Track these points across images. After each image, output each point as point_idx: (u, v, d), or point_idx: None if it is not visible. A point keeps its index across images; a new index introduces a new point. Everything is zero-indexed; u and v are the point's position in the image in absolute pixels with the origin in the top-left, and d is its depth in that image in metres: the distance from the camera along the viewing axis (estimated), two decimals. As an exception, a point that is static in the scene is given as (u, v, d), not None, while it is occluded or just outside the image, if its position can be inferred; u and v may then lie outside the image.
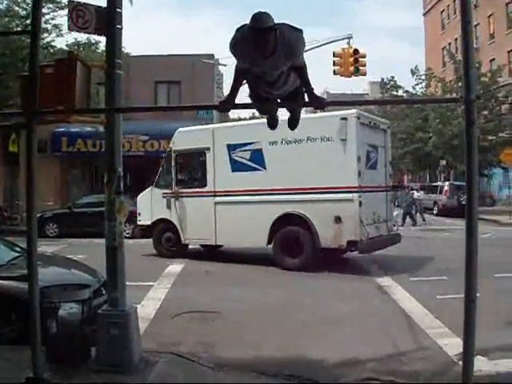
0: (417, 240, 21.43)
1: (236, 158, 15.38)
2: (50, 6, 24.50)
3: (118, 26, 6.64)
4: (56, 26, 24.23)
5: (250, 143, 15.21)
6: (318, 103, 5.29)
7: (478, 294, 10.43)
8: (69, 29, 6.53)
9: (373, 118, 15.80)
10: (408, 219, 28.99)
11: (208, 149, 15.67)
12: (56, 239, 22.14)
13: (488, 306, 9.27)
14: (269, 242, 14.93)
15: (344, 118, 13.84)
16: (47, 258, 9.67)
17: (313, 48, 24.74)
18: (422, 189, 37.95)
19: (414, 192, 33.54)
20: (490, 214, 33.30)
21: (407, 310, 9.95)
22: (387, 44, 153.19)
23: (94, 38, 33.04)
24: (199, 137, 16.12)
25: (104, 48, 24.16)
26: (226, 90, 28.14)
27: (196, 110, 26.32)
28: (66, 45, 27.47)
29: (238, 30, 4.82)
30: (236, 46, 4.81)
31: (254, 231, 14.93)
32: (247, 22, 4.59)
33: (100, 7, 6.56)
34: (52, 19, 24.92)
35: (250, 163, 15.22)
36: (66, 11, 23.26)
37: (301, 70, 5.08)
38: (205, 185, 15.83)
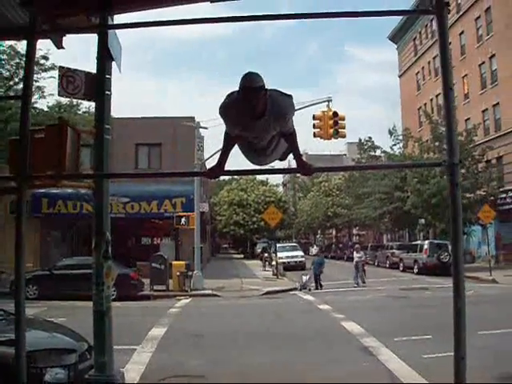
0: (400, 300, 21.49)
1: None
2: (34, 68, 24.83)
3: (107, 92, 6.77)
4: (39, 88, 24.47)
5: None
6: (306, 170, 5.40)
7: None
8: (59, 94, 6.67)
9: None
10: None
11: None
12: (35, 301, 21.75)
13: (473, 363, 9.33)
14: None
15: None
16: (30, 321, 9.53)
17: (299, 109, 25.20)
18: (361, 249, 35.72)
19: (354, 252, 31.44)
20: (471, 271, 33.49)
21: (394, 371, 9.92)
22: (364, 104, 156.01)
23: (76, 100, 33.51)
24: None
25: (85, 110, 24.33)
26: (207, 153, 28.43)
27: (184, 176, 26.51)
28: (48, 106, 27.74)
29: (228, 95, 4.89)
30: (226, 111, 4.86)
31: None
32: (231, 87, 4.71)
33: (90, 73, 6.70)
34: (35, 81, 25.20)
35: None
36: (49, 73, 23.63)
37: (290, 137, 5.17)
38: None
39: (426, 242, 38.09)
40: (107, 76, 6.80)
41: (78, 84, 6.67)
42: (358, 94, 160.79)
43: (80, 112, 35.40)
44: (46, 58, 23.69)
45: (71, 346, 7.34)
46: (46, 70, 24.26)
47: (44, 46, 25.08)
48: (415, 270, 35.96)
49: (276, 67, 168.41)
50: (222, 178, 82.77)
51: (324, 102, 22.39)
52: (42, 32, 6.31)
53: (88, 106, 36.87)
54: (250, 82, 4.58)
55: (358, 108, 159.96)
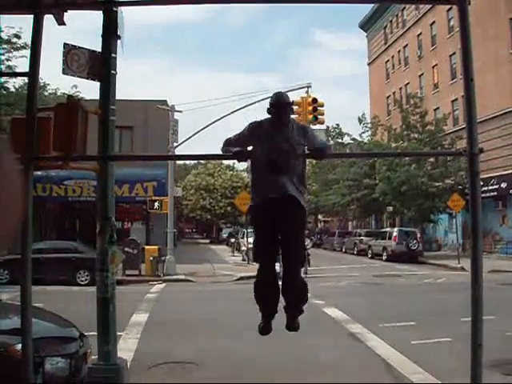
0: (376, 286, 21.65)
1: None
2: (5, 46, 24.08)
3: (112, 72, 6.55)
4: (10, 68, 23.68)
5: None
6: (319, 155, 5.93)
7: (449, 339, 10.65)
8: (63, 72, 6.39)
9: None
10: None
11: None
12: (7, 286, 21.28)
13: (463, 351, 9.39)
14: None
15: None
16: (17, 307, 9.24)
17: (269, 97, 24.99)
18: (309, 236, 34.10)
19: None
20: (438, 259, 34.03)
21: (385, 357, 9.92)
22: (330, 91, 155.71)
23: (44, 79, 32.64)
24: None
25: (52, 91, 23.59)
26: (182, 137, 27.88)
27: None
28: (15, 87, 27.05)
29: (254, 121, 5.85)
30: (253, 126, 5.74)
31: None
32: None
33: (95, 52, 6.47)
34: (7, 60, 24.47)
35: None
36: (20, 52, 22.89)
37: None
38: None
39: (395, 229, 38.40)
40: (112, 55, 6.59)
41: (82, 62, 6.42)
42: (326, 81, 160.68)
43: (46, 93, 34.66)
44: (18, 36, 23.08)
45: (71, 335, 7.13)
46: (17, 49, 23.59)
47: (16, 24, 24.45)
48: (384, 257, 36.27)
49: (244, 52, 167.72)
50: (188, 162, 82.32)
51: (303, 88, 22.29)
52: (47, 7, 6.04)
53: (55, 87, 36.14)
54: (283, 98, 5.69)
55: (323, 95, 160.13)
